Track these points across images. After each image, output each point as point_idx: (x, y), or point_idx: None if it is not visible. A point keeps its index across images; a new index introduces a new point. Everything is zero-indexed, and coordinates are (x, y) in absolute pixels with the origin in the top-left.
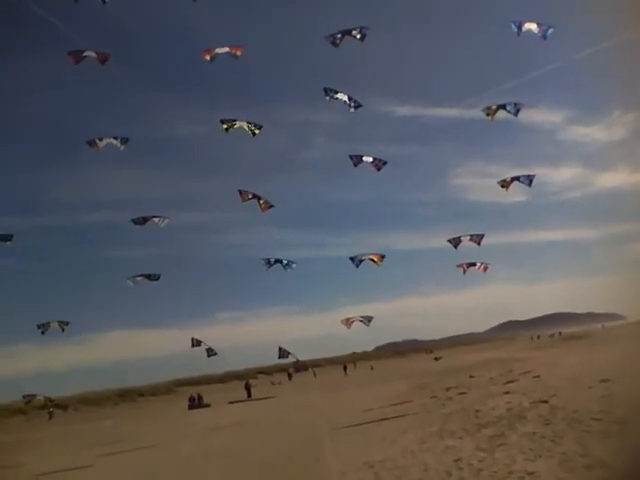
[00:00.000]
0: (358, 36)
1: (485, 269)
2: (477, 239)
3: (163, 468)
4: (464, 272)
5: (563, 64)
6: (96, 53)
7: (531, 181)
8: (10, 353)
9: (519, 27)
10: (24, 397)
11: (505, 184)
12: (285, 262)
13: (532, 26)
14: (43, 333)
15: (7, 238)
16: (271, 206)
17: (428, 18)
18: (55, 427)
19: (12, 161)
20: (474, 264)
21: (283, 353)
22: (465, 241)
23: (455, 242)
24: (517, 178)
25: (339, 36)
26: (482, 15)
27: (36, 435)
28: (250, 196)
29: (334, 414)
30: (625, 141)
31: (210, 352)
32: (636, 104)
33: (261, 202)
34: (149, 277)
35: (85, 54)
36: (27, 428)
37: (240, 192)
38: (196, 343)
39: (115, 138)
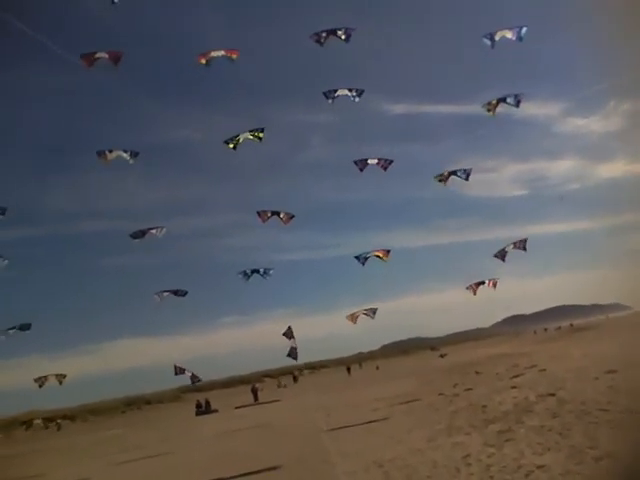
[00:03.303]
0: (343, 37)
1: (494, 285)
2: (521, 244)
3: (175, 475)
4: (474, 293)
5: (559, 56)
6: (108, 53)
7: (468, 175)
8: (13, 365)
9: (492, 39)
10: None
11: (443, 178)
12: (262, 271)
13: (504, 33)
14: (40, 387)
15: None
16: (292, 217)
17: (425, 15)
18: (65, 438)
19: (11, 169)
20: (483, 282)
21: (178, 370)
22: (510, 250)
23: (502, 254)
24: (454, 172)
25: (324, 35)
26: (478, 11)
27: (48, 446)
28: (269, 214)
29: (341, 415)
30: (622, 131)
31: (194, 379)
32: (631, 94)
33: (282, 216)
34: (176, 293)
35: (97, 55)
36: (37, 439)
37: (259, 213)
38: (179, 371)
39: (125, 151)
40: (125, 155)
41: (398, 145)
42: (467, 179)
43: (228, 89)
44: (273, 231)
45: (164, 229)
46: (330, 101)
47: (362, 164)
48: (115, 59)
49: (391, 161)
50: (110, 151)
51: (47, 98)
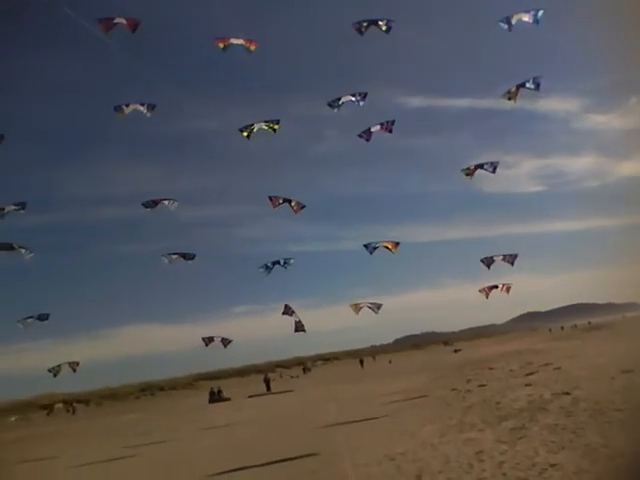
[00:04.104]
0: (384, 27)
1: (508, 290)
2: (510, 259)
3: (189, 460)
4: (487, 296)
5: (578, 52)
6: (126, 20)
7: (495, 168)
8: (29, 349)
9: (509, 22)
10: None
11: (469, 172)
12: (282, 261)
13: (521, 16)
14: (55, 376)
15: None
16: (303, 207)
17: (442, 9)
18: (80, 421)
19: (27, 159)
20: (496, 286)
21: (207, 341)
22: (498, 260)
23: (488, 262)
24: (481, 166)
25: (365, 24)
26: (494, 6)
27: (63, 429)
28: (281, 201)
29: (353, 407)
30: None
31: (225, 341)
32: None
33: (293, 205)
34: (184, 256)
35: (115, 21)
36: (53, 423)
37: (270, 198)
38: (208, 340)
39: (142, 104)
40: (142, 108)
41: (414, 139)
42: (494, 172)
43: (246, 80)
44: (287, 222)
45: (176, 202)
46: (336, 110)
47: (367, 134)
48: (133, 26)
49: (393, 121)
50: (127, 105)
51: (62, 88)
